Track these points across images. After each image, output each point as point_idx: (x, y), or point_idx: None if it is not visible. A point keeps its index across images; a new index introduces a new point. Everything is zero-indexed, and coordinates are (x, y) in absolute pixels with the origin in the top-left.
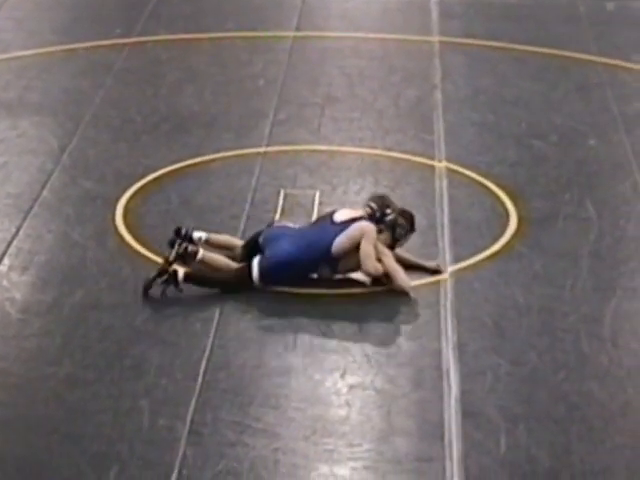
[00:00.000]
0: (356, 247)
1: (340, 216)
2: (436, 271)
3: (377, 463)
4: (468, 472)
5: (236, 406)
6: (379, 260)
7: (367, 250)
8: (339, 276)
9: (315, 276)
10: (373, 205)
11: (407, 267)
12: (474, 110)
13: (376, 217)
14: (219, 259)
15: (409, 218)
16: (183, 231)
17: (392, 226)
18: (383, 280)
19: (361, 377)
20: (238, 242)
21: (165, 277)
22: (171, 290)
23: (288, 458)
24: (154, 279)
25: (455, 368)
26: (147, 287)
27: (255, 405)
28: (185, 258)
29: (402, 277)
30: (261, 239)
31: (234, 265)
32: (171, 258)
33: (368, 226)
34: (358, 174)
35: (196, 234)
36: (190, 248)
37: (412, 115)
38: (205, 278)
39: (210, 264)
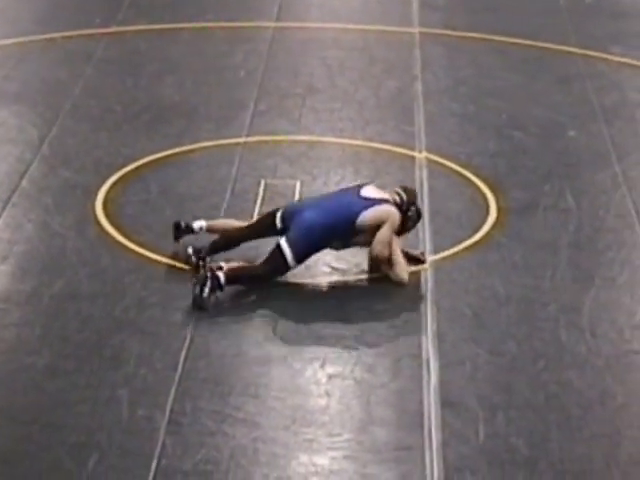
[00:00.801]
0: (376, 227)
1: (367, 192)
2: (419, 260)
3: (357, 452)
4: (447, 461)
5: (216, 395)
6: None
7: (385, 235)
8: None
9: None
10: (403, 196)
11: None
12: (454, 101)
13: (402, 208)
14: (240, 266)
15: (418, 210)
16: (183, 224)
17: (405, 219)
18: (382, 267)
19: (341, 367)
20: (235, 223)
21: (210, 285)
22: (153, 279)
23: (268, 447)
24: (202, 293)
25: (434, 358)
26: (201, 305)
27: (235, 394)
28: (213, 281)
29: (403, 268)
30: (279, 220)
31: (253, 264)
32: (205, 292)
33: (395, 214)
34: (339, 165)
35: (196, 224)
36: (214, 266)
37: (392, 106)
38: (243, 276)
39: (237, 275)
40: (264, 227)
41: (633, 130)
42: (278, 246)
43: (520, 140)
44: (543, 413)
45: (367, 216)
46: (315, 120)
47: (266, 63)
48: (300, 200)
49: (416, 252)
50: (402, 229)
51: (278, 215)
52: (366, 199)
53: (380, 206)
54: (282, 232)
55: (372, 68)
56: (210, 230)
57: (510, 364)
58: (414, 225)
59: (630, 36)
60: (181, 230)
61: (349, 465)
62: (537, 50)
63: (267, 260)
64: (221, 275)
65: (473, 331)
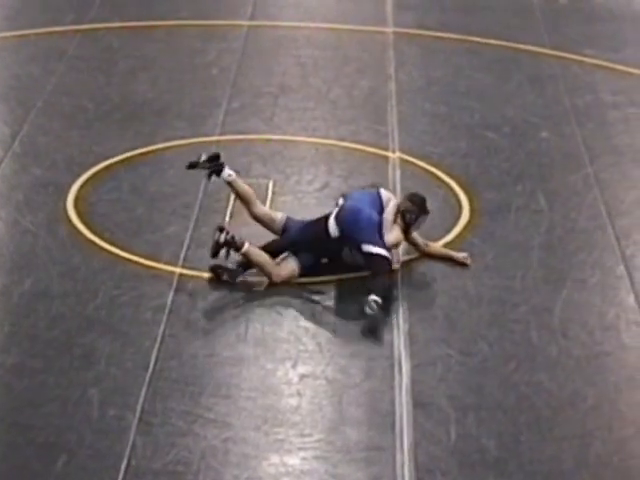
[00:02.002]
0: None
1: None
2: (463, 263)
3: (328, 453)
4: (418, 461)
5: (187, 396)
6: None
7: (392, 209)
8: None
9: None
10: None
11: (437, 258)
12: (427, 101)
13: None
14: (261, 255)
15: (419, 202)
16: (219, 158)
17: (402, 212)
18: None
19: (312, 367)
20: (260, 205)
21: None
22: (125, 278)
23: (239, 448)
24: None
25: (406, 358)
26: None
27: (206, 395)
28: (230, 246)
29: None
30: (333, 226)
31: (273, 262)
32: (221, 240)
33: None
34: (311, 164)
35: (226, 171)
36: (237, 239)
37: (366, 105)
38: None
39: (251, 258)
40: (315, 234)
41: (605, 132)
42: (375, 254)
43: (493, 140)
44: (514, 414)
45: (384, 194)
46: (288, 119)
47: (239, 61)
48: (340, 203)
49: (459, 255)
50: (405, 225)
51: (331, 221)
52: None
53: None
54: (339, 240)
55: (346, 67)
56: (232, 186)
57: (481, 365)
58: (417, 216)
59: (603, 38)
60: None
61: (320, 465)
62: (510, 51)
63: (375, 270)
64: (373, 300)
65: (444, 332)
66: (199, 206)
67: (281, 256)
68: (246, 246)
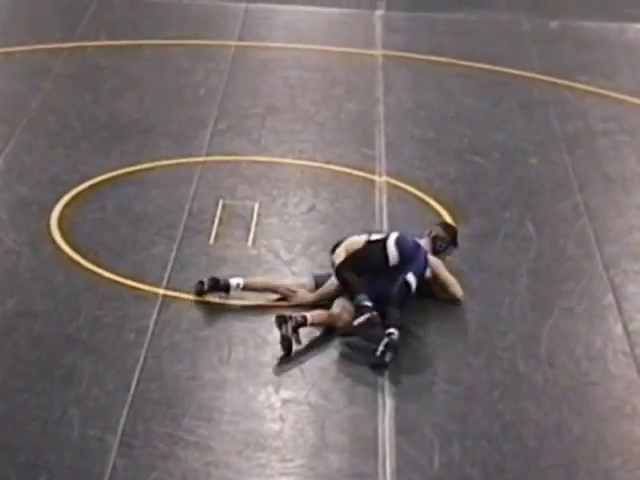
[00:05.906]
0: None
1: None
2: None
3: (309, 478)
4: None
5: (168, 418)
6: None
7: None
8: None
9: None
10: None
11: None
12: (416, 125)
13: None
14: (320, 315)
15: (452, 233)
16: (221, 282)
17: (433, 238)
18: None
19: (295, 391)
20: (280, 281)
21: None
22: (108, 299)
23: (220, 472)
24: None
25: (390, 384)
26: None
27: (188, 417)
28: (297, 327)
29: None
30: (395, 255)
31: (332, 313)
32: (288, 332)
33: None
34: (298, 186)
35: (233, 281)
36: (299, 318)
37: (353, 128)
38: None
39: (316, 323)
40: (373, 261)
41: (595, 159)
42: (412, 286)
43: (481, 166)
44: (499, 443)
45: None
46: (275, 141)
47: (227, 82)
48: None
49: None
50: (433, 252)
51: (391, 247)
52: None
53: None
54: (395, 268)
55: (334, 90)
56: (247, 288)
57: (466, 393)
58: (447, 246)
59: (595, 64)
60: (218, 287)
61: None
62: (501, 75)
63: (400, 301)
64: (395, 334)
65: (429, 358)
66: (184, 227)
67: (336, 303)
68: (309, 318)
